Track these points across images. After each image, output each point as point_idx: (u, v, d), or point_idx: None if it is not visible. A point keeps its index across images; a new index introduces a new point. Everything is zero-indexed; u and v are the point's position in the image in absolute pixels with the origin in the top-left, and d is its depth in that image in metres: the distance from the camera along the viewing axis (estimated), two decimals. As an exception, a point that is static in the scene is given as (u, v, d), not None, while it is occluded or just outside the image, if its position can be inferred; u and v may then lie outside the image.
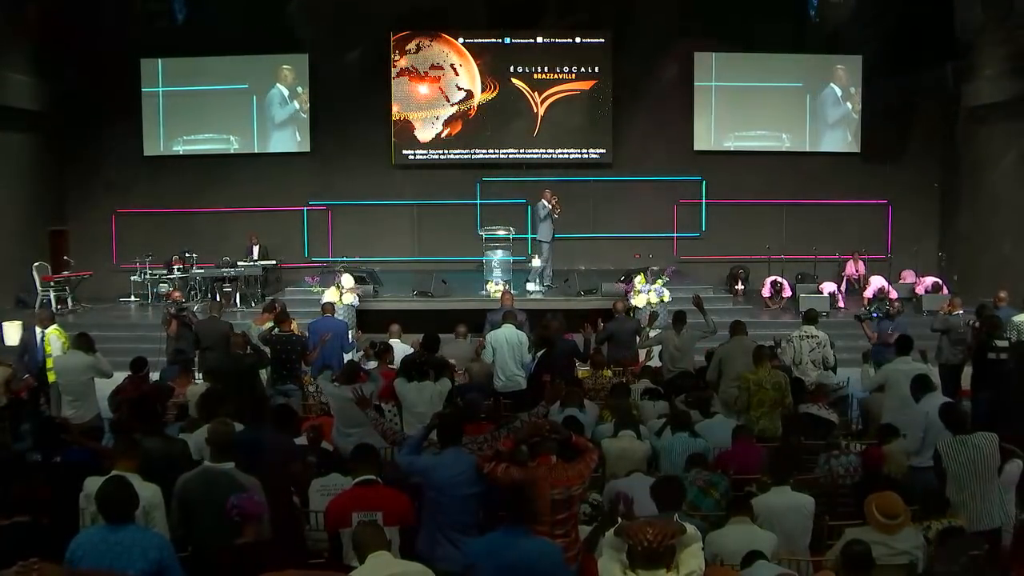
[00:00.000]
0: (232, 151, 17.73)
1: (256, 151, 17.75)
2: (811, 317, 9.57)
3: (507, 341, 9.01)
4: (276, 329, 9.11)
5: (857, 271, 16.29)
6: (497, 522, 4.56)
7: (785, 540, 5.19)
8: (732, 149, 17.82)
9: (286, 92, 17.68)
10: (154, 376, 9.90)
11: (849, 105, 17.62)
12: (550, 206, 14.28)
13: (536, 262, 14.72)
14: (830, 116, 17.73)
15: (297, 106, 17.65)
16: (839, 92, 17.66)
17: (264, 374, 9.32)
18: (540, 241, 14.69)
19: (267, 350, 9.12)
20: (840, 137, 17.77)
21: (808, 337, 9.31)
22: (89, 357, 8.46)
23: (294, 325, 10.26)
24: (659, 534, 3.77)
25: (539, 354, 9.02)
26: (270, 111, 17.71)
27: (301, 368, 9.18)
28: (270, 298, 13.51)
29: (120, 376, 8.75)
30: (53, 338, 9.57)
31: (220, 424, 5.20)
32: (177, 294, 12.02)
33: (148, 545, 3.99)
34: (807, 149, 17.83)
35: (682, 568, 3.64)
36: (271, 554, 4.45)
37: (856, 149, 17.70)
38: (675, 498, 4.85)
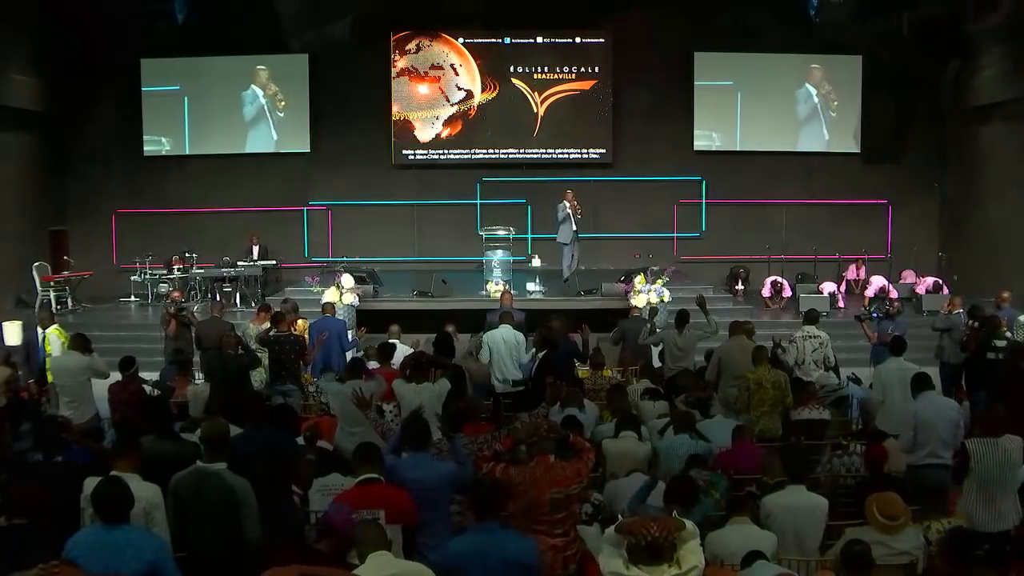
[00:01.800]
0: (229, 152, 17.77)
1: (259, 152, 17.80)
2: (812, 317, 9.57)
3: (504, 341, 9.01)
4: (273, 330, 9.09)
5: (858, 276, 16.28)
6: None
7: (796, 540, 5.18)
8: (732, 149, 17.82)
9: (259, 92, 17.68)
10: (154, 376, 9.91)
11: (830, 105, 17.68)
12: (568, 209, 14.22)
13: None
14: (805, 115, 17.78)
15: (264, 104, 17.65)
16: (813, 92, 17.68)
17: (262, 374, 9.33)
18: (560, 243, 14.62)
19: (263, 351, 9.11)
20: (840, 137, 17.76)
21: (811, 337, 9.31)
22: (85, 358, 8.43)
23: (302, 324, 10.26)
24: (662, 528, 3.75)
25: (541, 355, 9.01)
26: (242, 111, 17.77)
27: (300, 368, 9.16)
28: (283, 298, 13.45)
29: (115, 375, 8.72)
30: (53, 338, 9.57)
31: (215, 423, 5.19)
32: (177, 294, 12.00)
33: (142, 546, 3.98)
34: (807, 149, 17.83)
35: (684, 564, 3.63)
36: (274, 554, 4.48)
37: (856, 149, 17.71)
38: (688, 496, 4.83)
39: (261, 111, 17.75)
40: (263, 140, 17.83)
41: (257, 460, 5.23)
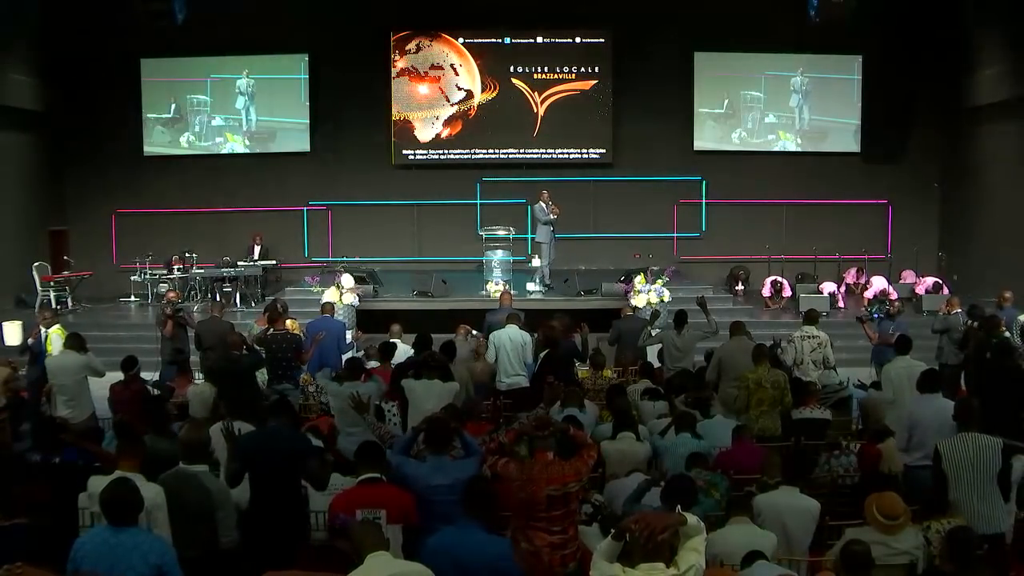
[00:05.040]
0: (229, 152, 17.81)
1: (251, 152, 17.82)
2: (812, 317, 9.56)
3: (510, 340, 9.02)
4: (271, 329, 9.08)
5: (858, 280, 16.26)
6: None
7: (786, 540, 5.18)
8: (732, 149, 17.82)
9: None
10: (153, 376, 9.89)
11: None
12: (549, 212, 14.18)
13: (536, 262, 14.70)
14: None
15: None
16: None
17: (263, 375, 9.30)
18: (539, 242, 14.65)
19: (262, 350, 9.09)
20: (840, 137, 17.77)
21: (809, 337, 9.30)
22: (82, 357, 8.43)
23: (291, 324, 10.24)
24: (661, 522, 3.68)
25: (543, 355, 9.01)
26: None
27: (297, 367, 9.13)
28: (271, 298, 13.48)
29: (115, 374, 8.71)
30: (55, 337, 9.53)
31: (193, 430, 5.17)
32: (173, 294, 11.91)
33: (149, 549, 3.97)
34: (807, 149, 17.84)
35: (682, 564, 3.58)
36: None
37: (856, 149, 17.71)
38: (685, 496, 4.81)
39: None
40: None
41: (276, 459, 5.22)
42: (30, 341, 9.81)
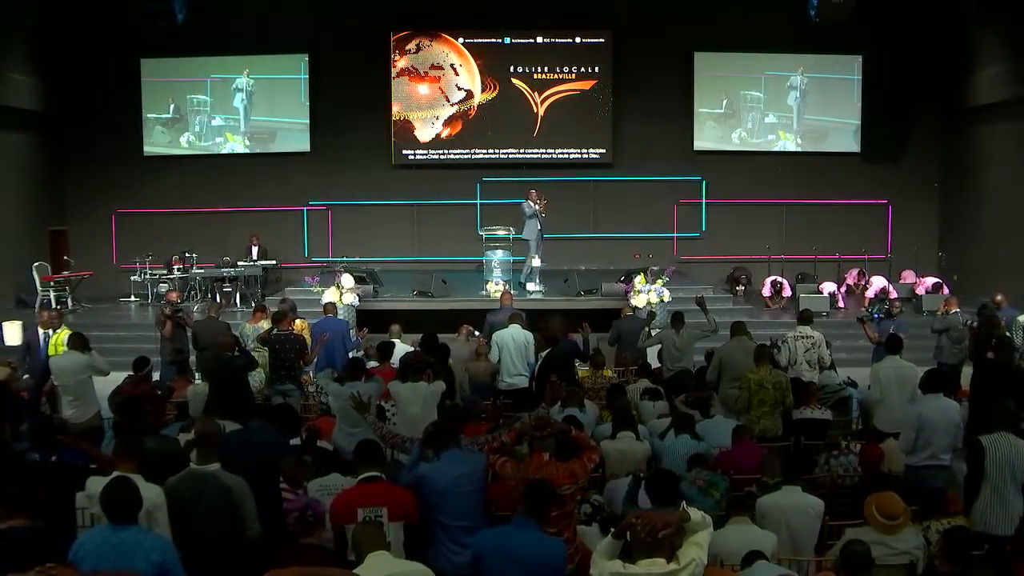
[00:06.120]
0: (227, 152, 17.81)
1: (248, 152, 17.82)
2: (806, 318, 9.56)
3: (513, 340, 9.02)
4: (275, 329, 9.08)
5: (858, 282, 16.25)
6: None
7: (790, 540, 5.18)
8: (732, 149, 17.82)
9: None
10: (154, 376, 9.88)
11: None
12: (536, 206, 14.18)
13: (536, 262, 14.69)
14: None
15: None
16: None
17: (261, 374, 9.30)
18: (525, 240, 14.63)
19: (263, 351, 9.09)
20: (840, 137, 17.77)
21: (803, 338, 9.29)
22: (84, 356, 8.43)
23: (300, 324, 10.25)
24: (663, 519, 3.67)
25: (543, 354, 9.01)
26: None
27: (300, 367, 9.14)
28: (281, 298, 13.42)
29: (116, 374, 8.73)
30: (65, 338, 9.51)
31: (207, 423, 5.17)
32: (173, 295, 11.88)
33: (151, 547, 3.97)
34: (807, 149, 17.84)
35: (682, 558, 3.57)
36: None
37: (856, 149, 17.71)
38: (669, 492, 4.78)
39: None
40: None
41: (250, 458, 5.22)
42: (28, 358, 9.75)
